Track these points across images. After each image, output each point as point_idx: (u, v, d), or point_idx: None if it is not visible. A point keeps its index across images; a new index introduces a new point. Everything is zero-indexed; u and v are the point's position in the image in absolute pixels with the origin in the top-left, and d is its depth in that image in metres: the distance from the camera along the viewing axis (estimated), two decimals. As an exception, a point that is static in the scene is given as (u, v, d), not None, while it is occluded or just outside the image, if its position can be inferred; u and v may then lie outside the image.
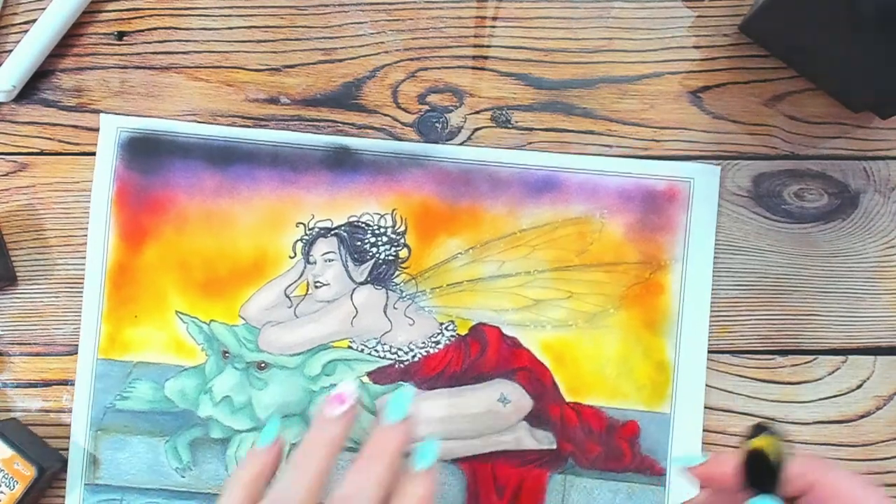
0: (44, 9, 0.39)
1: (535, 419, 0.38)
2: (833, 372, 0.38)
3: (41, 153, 0.40)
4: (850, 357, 0.38)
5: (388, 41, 0.39)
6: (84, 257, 0.39)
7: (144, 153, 0.39)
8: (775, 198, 0.39)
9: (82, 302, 0.39)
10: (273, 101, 0.39)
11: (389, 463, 0.34)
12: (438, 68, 0.39)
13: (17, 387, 0.39)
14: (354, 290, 0.39)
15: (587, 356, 0.38)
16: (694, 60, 0.39)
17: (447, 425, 0.38)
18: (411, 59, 0.39)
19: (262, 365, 0.38)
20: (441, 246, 0.38)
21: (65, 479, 0.38)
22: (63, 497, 0.38)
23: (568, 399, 0.38)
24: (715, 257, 0.38)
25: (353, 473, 0.34)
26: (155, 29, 0.40)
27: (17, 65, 0.38)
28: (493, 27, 0.39)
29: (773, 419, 0.38)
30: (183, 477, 0.38)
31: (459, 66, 0.39)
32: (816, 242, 0.39)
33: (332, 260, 0.39)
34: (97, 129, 0.39)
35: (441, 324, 0.38)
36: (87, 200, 0.39)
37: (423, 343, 0.38)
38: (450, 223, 0.38)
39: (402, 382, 0.37)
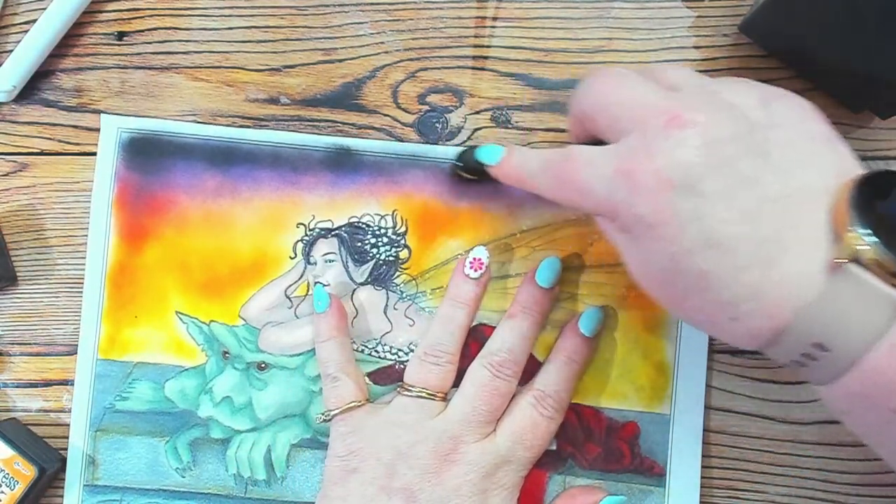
0: (44, 9, 0.39)
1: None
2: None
3: (41, 153, 0.40)
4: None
5: (388, 41, 0.39)
6: (84, 257, 0.39)
7: (145, 153, 0.39)
8: (775, 198, 0.39)
9: (82, 302, 0.39)
10: (273, 101, 0.39)
11: (536, 321, 0.36)
12: (438, 68, 0.39)
13: (17, 387, 0.39)
14: (355, 290, 0.39)
15: (587, 357, 0.38)
16: (694, 60, 0.39)
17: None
18: (411, 60, 0.39)
19: (263, 365, 0.38)
20: (441, 247, 0.38)
21: (64, 480, 0.38)
22: (62, 497, 0.38)
23: (568, 399, 0.38)
24: (715, 258, 0.38)
25: (501, 328, 0.36)
26: (155, 29, 0.40)
27: (17, 65, 0.38)
28: (493, 27, 0.39)
29: (773, 419, 0.38)
30: (183, 477, 0.38)
31: (459, 66, 0.39)
32: (816, 243, 0.38)
33: (333, 261, 0.39)
34: (97, 129, 0.39)
35: (441, 324, 0.38)
36: (88, 200, 0.39)
37: (424, 343, 0.38)
38: (450, 224, 0.38)
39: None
